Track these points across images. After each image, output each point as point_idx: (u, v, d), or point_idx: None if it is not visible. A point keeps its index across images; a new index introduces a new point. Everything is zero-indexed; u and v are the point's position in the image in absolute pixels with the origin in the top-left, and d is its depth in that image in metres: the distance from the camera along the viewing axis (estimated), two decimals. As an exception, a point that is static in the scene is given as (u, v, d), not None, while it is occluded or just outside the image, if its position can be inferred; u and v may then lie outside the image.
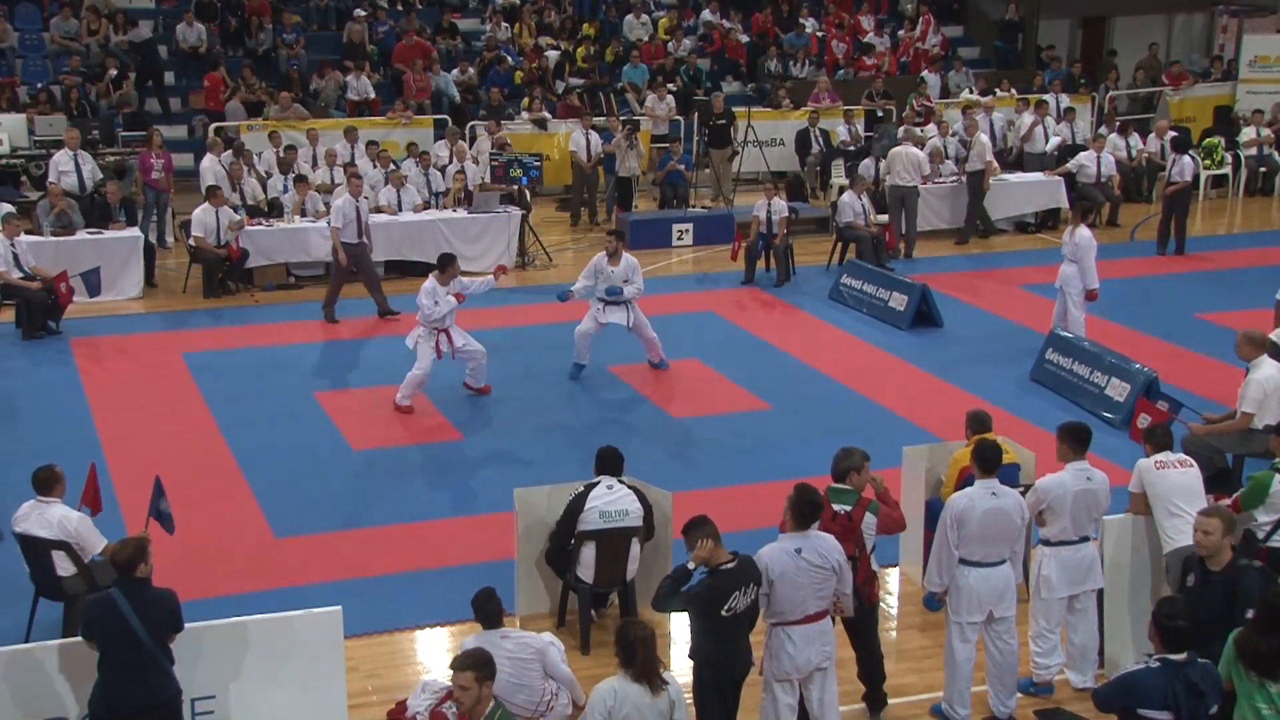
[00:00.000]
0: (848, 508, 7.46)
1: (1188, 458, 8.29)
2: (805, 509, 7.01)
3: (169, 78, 22.87)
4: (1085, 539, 7.88)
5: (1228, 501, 8.08)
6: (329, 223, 15.64)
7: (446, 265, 12.76)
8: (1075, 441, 7.93)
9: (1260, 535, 8.06)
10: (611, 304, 13.28)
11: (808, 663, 7.04)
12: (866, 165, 19.52)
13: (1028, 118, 21.39)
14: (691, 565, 6.83)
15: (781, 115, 22.54)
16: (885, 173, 18.88)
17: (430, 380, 13.32)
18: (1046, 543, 7.90)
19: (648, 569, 8.66)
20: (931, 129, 21.30)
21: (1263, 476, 8.13)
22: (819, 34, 26.05)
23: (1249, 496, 8.09)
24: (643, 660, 6.24)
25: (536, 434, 12.19)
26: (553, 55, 24.14)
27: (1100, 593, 8.09)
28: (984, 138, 19.30)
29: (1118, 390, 12.32)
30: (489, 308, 16.16)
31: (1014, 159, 21.28)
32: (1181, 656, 6.10)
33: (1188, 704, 6.00)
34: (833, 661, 7.20)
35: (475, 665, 6.14)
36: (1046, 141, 21.30)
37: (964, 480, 8.20)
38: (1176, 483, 8.00)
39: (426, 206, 17.92)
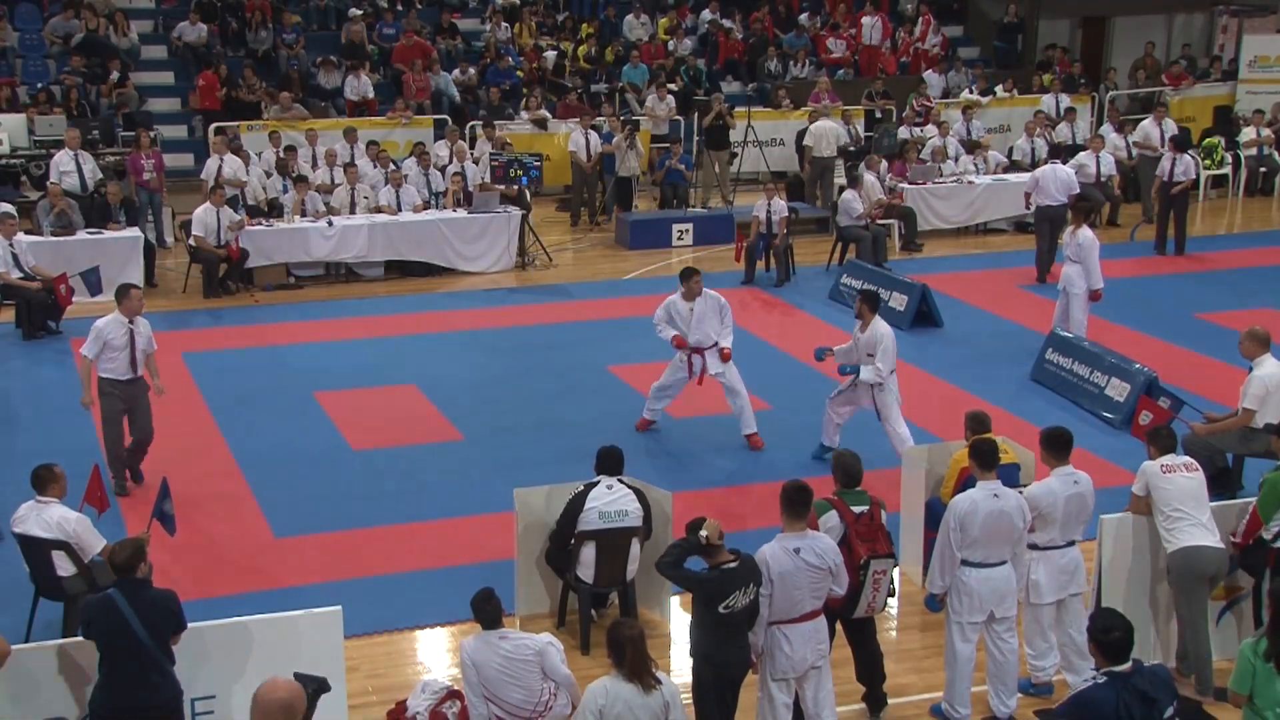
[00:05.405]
0: (865, 508, 7.51)
1: (1193, 461, 8.27)
2: (796, 496, 7.04)
3: (169, 77, 22.87)
4: (1071, 543, 7.89)
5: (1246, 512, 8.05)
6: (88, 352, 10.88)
7: (687, 278, 11.52)
8: (1057, 448, 7.90)
9: (1268, 536, 8.05)
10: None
11: (803, 661, 7.06)
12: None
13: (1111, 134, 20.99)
14: (704, 534, 6.82)
15: (781, 115, 22.54)
16: (809, 144, 19.84)
17: (430, 380, 13.33)
18: (1035, 547, 7.85)
19: (648, 569, 8.65)
20: (931, 129, 21.33)
21: (1275, 478, 8.10)
22: (827, 36, 26.02)
23: (1267, 504, 8.03)
24: (632, 659, 6.25)
25: (536, 434, 12.18)
26: (552, 55, 24.14)
27: (1099, 593, 8.09)
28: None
29: (1118, 390, 12.32)
30: (489, 308, 16.18)
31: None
32: (1126, 666, 6.02)
33: (1141, 712, 5.94)
34: (827, 659, 7.22)
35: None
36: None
37: (964, 481, 8.20)
38: (1184, 488, 7.98)
39: (426, 206, 17.91)
